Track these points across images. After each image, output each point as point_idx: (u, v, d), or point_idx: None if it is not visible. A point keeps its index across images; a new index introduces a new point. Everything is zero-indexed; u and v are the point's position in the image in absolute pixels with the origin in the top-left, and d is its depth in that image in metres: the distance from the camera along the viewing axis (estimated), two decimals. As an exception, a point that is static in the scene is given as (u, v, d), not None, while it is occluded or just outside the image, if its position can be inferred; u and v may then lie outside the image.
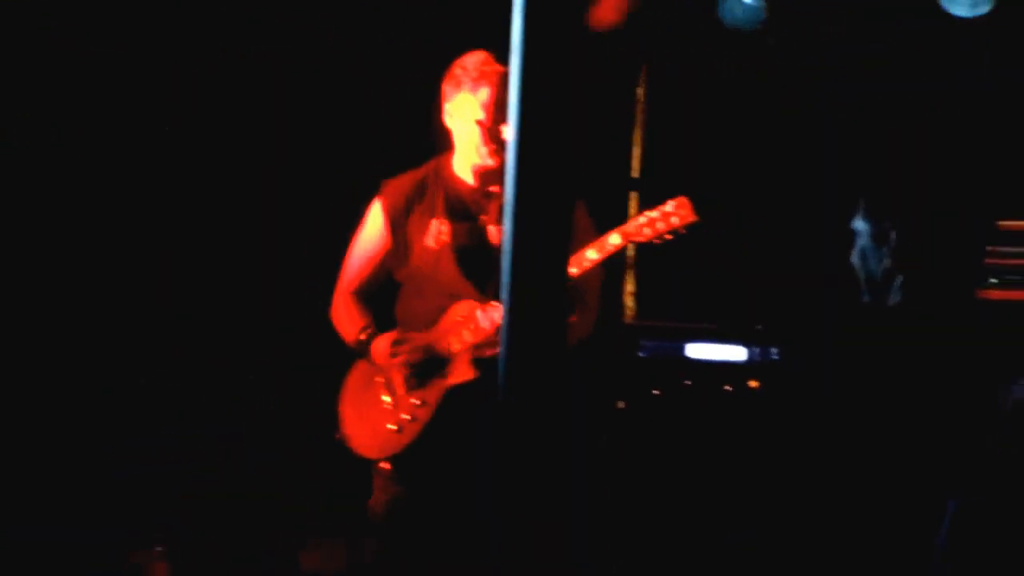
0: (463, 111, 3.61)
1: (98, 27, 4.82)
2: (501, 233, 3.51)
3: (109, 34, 4.85)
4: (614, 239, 3.46)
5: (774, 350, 4.63)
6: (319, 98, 5.07)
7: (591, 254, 3.47)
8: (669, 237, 3.49)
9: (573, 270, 3.44)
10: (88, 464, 4.86)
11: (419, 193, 3.75)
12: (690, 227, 3.49)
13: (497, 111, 3.56)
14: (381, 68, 4.99)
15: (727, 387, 4.64)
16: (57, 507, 4.74)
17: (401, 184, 3.76)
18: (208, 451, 4.99)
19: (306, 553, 4.90)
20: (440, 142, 3.80)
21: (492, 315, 3.54)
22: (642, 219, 3.47)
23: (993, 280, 4.38)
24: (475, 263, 3.69)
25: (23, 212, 4.84)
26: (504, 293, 2.01)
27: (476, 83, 3.58)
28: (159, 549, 4.71)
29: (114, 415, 4.95)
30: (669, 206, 3.47)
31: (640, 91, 4.99)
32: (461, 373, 3.63)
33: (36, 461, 4.78)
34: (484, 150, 3.60)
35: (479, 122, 3.57)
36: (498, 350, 2.17)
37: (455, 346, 3.62)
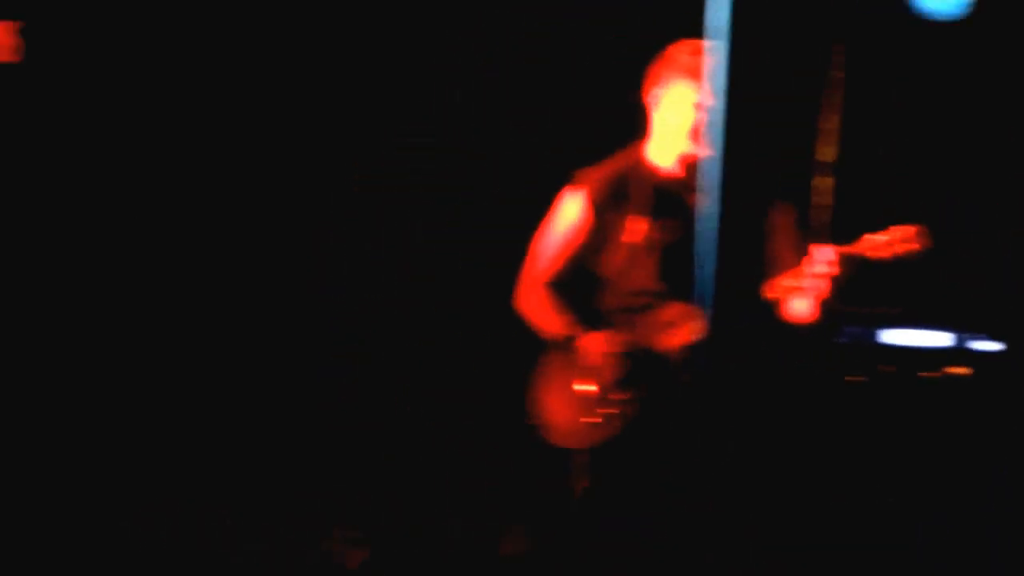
0: (677, 98, 3.59)
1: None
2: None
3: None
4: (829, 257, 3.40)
5: (979, 338, 4.52)
6: (506, 82, 5.07)
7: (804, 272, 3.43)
8: (895, 261, 3.45)
9: (787, 282, 3.42)
10: (283, 450, 5.02)
11: (621, 185, 3.74)
12: (920, 254, 3.45)
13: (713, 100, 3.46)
14: (571, 52, 4.97)
15: (931, 374, 4.57)
16: (250, 495, 4.90)
17: (601, 175, 3.75)
18: (403, 436, 5.07)
19: (504, 538, 4.93)
20: (633, 129, 3.77)
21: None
22: (868, 243, 3.43)
23: None
24: (677, 260, 3.63)
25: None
26: (707, 293, 2.00)
27: (696, 70, 3.54)
28: (355, 535, 4.79)
29: (313, 400, 5.08)
30: (900, 233, 3.43)
31: (838, 74, 4.86)
32: (670, 372, 3.66)
33: (229, 447, 4.97)
34: (697, 139, 3.58)
35: (695, 107, 3.54)
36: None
37: (663, 346, 3.65)
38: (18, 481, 4.67)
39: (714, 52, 1.85)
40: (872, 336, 4.64)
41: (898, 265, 3.47)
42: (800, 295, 3.43)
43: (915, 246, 3.39)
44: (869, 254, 3.39)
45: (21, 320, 4.89)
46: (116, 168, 5.01)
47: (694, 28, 3.58)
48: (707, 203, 1.87)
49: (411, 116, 5.10)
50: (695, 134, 3.56)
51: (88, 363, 4.95)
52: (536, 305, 3.83)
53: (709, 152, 3.36)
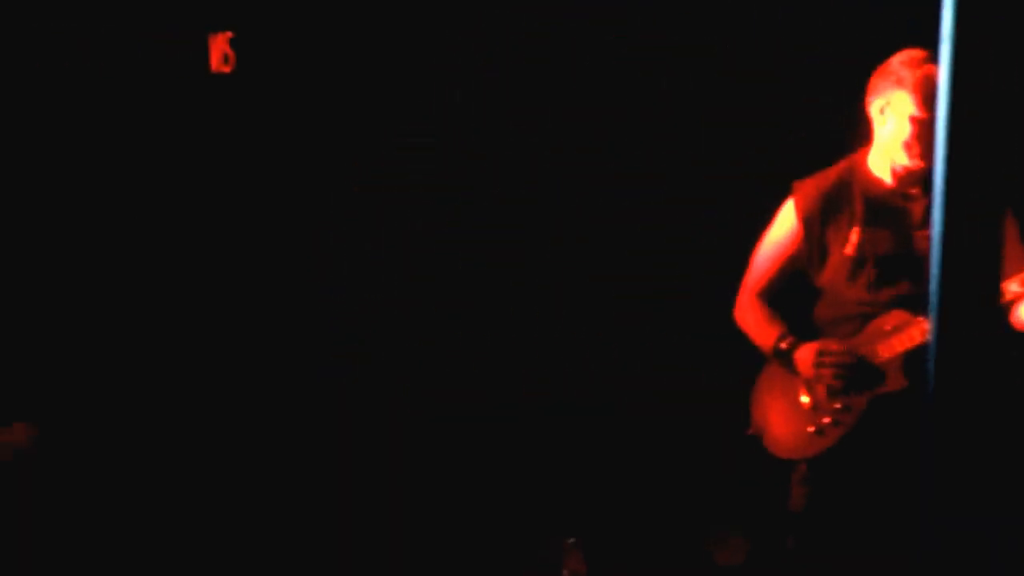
0: (896, 107, 3.54)
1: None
2: (925, 239, 3.58)
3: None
4: None
5: None
6: (728, 92, 4.95)
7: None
8: None
9: (1014, 287, 3.34)
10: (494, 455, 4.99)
11: (835, 196, 3.71)
12: None
13: (928, 113, 3.47)
14: (792, 62, 4.85)
15: None
16: (461, 501, 4.90)
17: (816, 185, 3.73)
18: (618, 442, 5.04)
19: (719, 547, 4.89)
20: (852, 140, 3.74)
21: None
22: None
23: None
24: (896, 272, 3.64)
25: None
26: (933, 302, 1.98)
27: (916, 80, 3.51)
28: (572, 541, 4.79)
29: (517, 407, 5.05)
30: None
31: None
32: (890, 382, 3.61)
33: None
34: (913, 150, 3.54)
35: (913, 119, 3.49)
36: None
37: (884, 354, 3.60)
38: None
39: (940, 58, 1.82)
40: None
41: None
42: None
43: None
44: None
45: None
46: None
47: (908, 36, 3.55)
48: (934, 210, 1.86)
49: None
50: (911, 145, 3.53)
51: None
52: (750, 317, 3.83)
53: (930, 161, 3.41)
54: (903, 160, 3.55)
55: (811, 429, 3.66)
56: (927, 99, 3.46)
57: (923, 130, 3.48)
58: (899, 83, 3.52)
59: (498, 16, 4.87)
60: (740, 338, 3.88)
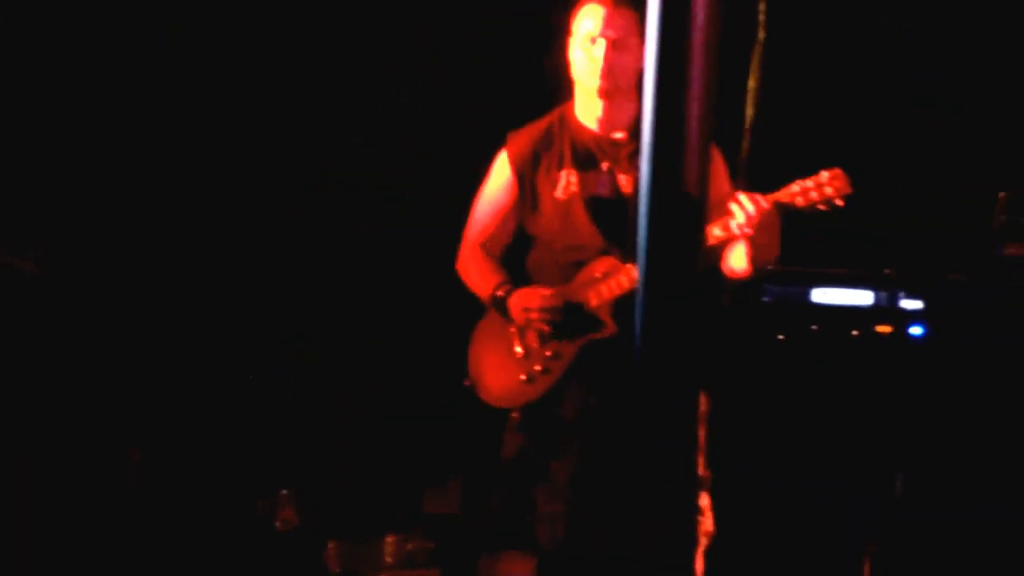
0: (586, 50, 3.58)
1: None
2: (632, 181, 3.63)
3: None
4: (761, 206, 3.34)
5: (902, 295, 4.58)
6: (438, 43, 5.08)
7: (736, 223, 3.37)
8: (823, 208, 3.41)
9: (717, 231, 3.39)
10: (212, 411, 5.01)
11: (545, 144, 3.73)
12: (846, 199, 3.39)
13: (613, 50, 3.52)
14: (495, 19, 5.00)
15: (854, 332, 4.63)
16: (181, 457, 4.90)
17: (527, 135, 3.75)
18: (333, 396, 5.09)
19: (430, 496, 4.97)
20: (563, 89, 3.76)
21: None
22: (795, 187, 3.40)
23: None
24: (606, 213, 3.66)
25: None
26: (641, 245, 2.00)
27: (603, 21, 3.56)
28: (284, 492, 4.83)
29: (242, 361, 5.10)
30: (824, 176, 3.40)
31: (761, 33, 4.94)
32: (600, 328, 3.64)
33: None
34: (607, 89, 3.57)
35: (604, 58, 3.54)
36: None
37: (593, 301, 3.63)
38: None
39: (649, 8, 1.84)
40: (798, 295, 4.70)
41: (823, 218, 3.51)
42: (732, 246, 3.43)
43: (839, 190, 3.39)
44: (795, 199, 3.38)
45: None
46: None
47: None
48: (642, 157, 1.90)
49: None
50: (607, 83, 3.57)
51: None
52: (471, 267, 3.85)
53: (636, 103, 3.48)
54: (601, 102, 3.60)
55: (522, 377, 3.67)
56: (613, 38, 3.53)
57: (613, 68, 3.54)
58: (585, 26, 3.57)
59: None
60: (462, 289, 3.91)
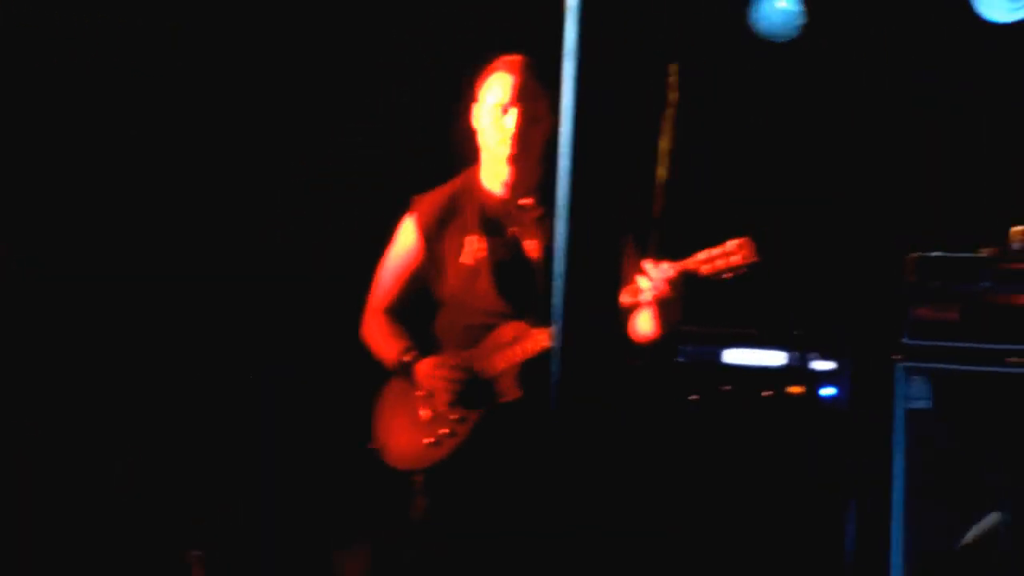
0: (491, 116, 3.64)
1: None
2: (538, 247, 3.68)
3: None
4: (666, 272, 3.42)
5: (813, 356, 4.66)
6: (345, 109, 5.13)
7: (642, 288, 3.46)
8: (728, 276, 3.49)
9: (624, 297, 3.45)
10: (124, 468, 4.98)
11: (452, 209, 3.79)
12: (751, 268, 3.49)
13: (523, 117, 3.59)
14: (403, 77, 5.07)
15: (766, 393, 4.72)
16: (94, 513, 4.84)
17: (433, 199, 3.80)
18: (243, 457, 5.09)
19: (340, 558, 5.03)
20: (469, 153, 3.82)
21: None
22: (702, 256, 3.47)
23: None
24: (513, 278, 3.73)
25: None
26: (556, 310, 2.03)
27: (512, 87, 3.61)
28: (196, 554, 4.82)
29: (149, 418, 5.05)
30: (730, 245, 3.47)
31: (673, 95, 5.00)
32: (506, 392, 3.69)
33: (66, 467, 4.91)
34: (517, 156, 3.62)
35: (513, 123, 3.59)
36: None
37: (500, 365, 3.68)
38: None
39: (565, 72, 1.90)
40: (711, 355, 4.76)
41: (735, 282, 3.57)
42: (639, 311, 3.48)
43: (745, 259, 3.46)
44: (701, 267, 3.45)
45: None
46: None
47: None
48: (557, 222, 1.93)
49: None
50: (516, 151, 3.63)
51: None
52: (376, 332, 3.89)
53: (523, 168, 3.57)
54: (507, 168, 3.66)
55: (428, 440, 3.72)
56: (521, 105, 3.59)
57: (519, 138, 3.60)
58: (495, 90, 3.62)
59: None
60: (367, 354, 3.94)
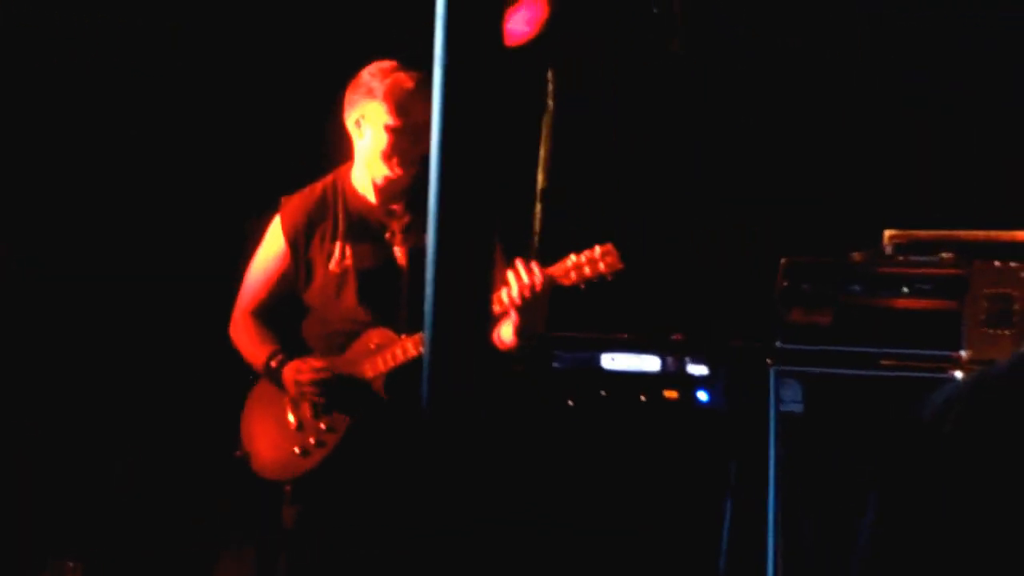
0: (371, 119, 3.66)
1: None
2: (405, 253, 3.75)
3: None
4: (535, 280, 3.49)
5: (688, 360, 4.77)
6: (212, 105, 5.20)
7: (510, 294, 3.53)
8: (595, 281, 3.57)
9: (495, 307, 3.49)
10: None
11: (320, 212, 3.83)
12: (617, 275, 3.57)
13: (399, 122, 3.64)
14: (273, 75, 5.15)
15: (645, 398, 4.81)
16: None
17: (301, 201, 3.84)
18: (119, 467, 5.12)
19: (218, 566, 5.07)
20: (335, 154, 3.88)
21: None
22: (569, 263, 3.55)
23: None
24: (380, 285, 3.78)
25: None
26: (428, 316, 2.02)
27: (386, 94, 3.65)
28: (72, 565, 4.80)
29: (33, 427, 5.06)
30: (597, 252, 3.55)
31: (550, 102, 5.15)
32: (373, 399, 3.72)
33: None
34: (392, 160, 3.65)
35: (388, 128, 3.62)
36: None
37: (368, 372, 3.73)
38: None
39: (434, 79, 1.89)
40: (587, 361, 4.84)
41: (609, 287, 3.65)
42: (503, 320, 3.55)
43: (610, 266, 3.56)
44: (567, 274, 3.55)
45: None
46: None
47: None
48: (428, 229, 1.92)
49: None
50: (389, 155, 3.68)
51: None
52: (243, 335, 3.92)
53: (409, 170, 3.61)
54: (383, 171, 3.69)
55: (296, 450, 3.76)
56: (399, 107, 3.63)
57: (399, 139, 3.64)
58: (370, 94, 3.66)
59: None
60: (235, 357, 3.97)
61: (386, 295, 3.77)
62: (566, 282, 3.57)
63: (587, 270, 3.54)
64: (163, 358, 5.18)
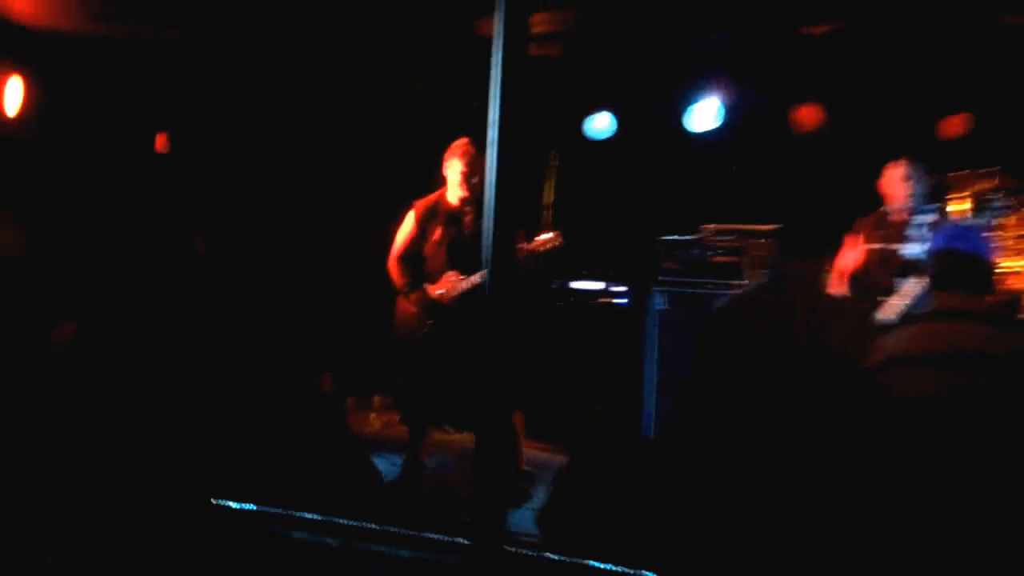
0: (453, 167, 6.29)
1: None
2: (470, 234, 6.22)
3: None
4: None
5: (615, 284, 7.20)
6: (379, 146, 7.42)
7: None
8: (552, 248, 5.69)
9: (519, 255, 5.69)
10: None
11: (432, 209, 6.35)
12: (561, 246, 5.63)
13: (468, 169, 6.16)
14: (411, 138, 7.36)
15: (595, 302, 7.35)
16: None
17: (424, 203, 6.38)
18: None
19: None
20: (440, 182, 6.49)
21: (471, 279, 6.02)
22: (540, 239, 5.70)
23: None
24: (457, 250, 6.14)
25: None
26: (488, 260, 4.06)
27: (461, 155, 6.24)
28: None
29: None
30: (551, 235, 5.68)
31: (553, 161, 7.56)
32: (452, 306, 6.08)
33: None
34: (463, 188, 6.16)
35: (461, 172, 6.22)
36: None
37: (451, 292, 6.00)
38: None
39: (491, 138, 3.26)
40: (567, 284, 7.50)
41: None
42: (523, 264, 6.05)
43: (558, 242, 6.04)
44: (539, 247, 6.03)
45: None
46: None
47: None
48: (485, 220, 3.80)
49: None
50: (462, 185, 6.06)
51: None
52: (394, 271, 6.31)
53: (472, 193, 6.31)
54: (459, 192, 6.30)
55: (417, 326, 6.29)
56: (468, 163, 6.16)
57: (465, 179, 6.20)
58: (452, 154, 6.34)
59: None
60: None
61: (460, 254, 6.12)
62: (540, 249, 6.04)
63: (550, 244, 6.00)
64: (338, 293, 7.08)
